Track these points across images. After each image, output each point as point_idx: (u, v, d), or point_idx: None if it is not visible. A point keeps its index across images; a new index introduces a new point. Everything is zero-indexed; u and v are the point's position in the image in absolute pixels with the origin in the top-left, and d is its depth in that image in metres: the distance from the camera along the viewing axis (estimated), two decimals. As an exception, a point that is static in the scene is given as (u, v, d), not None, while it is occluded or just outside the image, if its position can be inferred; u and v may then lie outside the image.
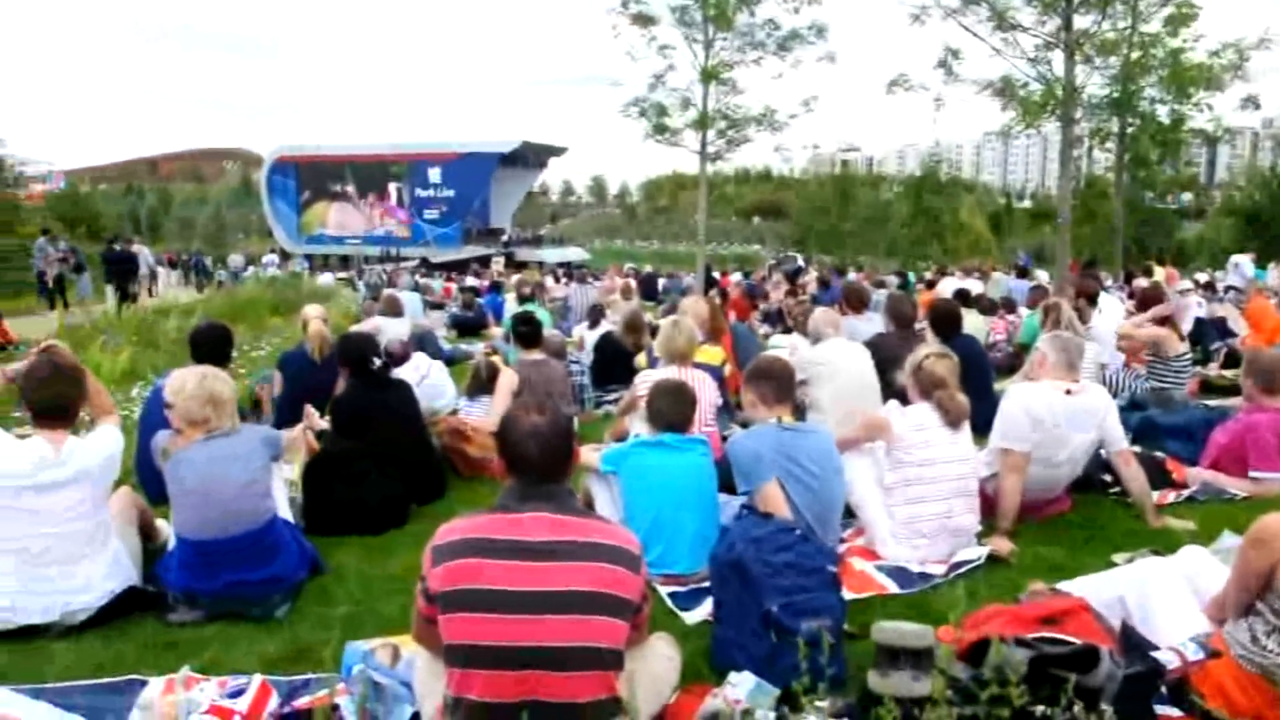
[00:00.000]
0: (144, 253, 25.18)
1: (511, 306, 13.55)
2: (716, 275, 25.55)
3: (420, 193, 59.06)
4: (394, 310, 10.59)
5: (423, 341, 9.96)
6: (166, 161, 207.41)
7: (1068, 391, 4.72)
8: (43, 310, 19.41)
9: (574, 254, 59.06)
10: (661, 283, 25.02)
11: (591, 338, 10.03)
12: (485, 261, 44.45)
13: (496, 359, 8.07)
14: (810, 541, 3.28)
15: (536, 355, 7.00)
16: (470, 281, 24.28)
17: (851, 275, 20.09)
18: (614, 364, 8.49)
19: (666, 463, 4.24)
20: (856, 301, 8.34)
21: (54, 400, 4.00)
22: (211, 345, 5.49)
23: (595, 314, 11.37)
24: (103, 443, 4.10)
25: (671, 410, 4.37)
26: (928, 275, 21.49)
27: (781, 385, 4.30)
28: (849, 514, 4.61)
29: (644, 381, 5.58)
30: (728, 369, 6.70)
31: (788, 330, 11.56)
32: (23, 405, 4.16)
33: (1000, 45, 16.95)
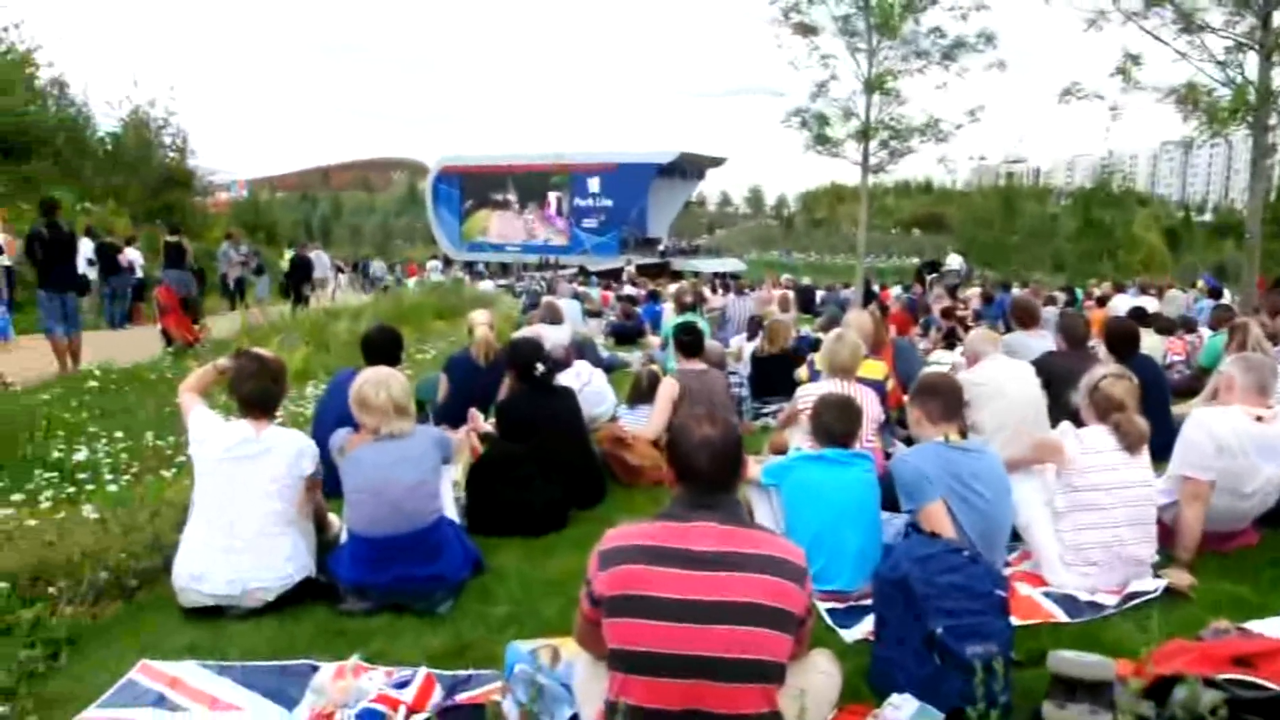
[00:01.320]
0: (321, 257, 26.55)
1: (670, 316, 13.63)
2: (876, 289, 25.07)
3: (579, 202, 60.18)
4: (555, 317, 10.78)
5: (583, 349, 10.11)
6: (338, 171, 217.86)
7: (1258, 418, 4.45)
8: (224, 310, 20.57)
9: (730, 265, 58.97)
10: (819, 295, 24.70)
11: (749, 349, 10.00)
12: (645, 269, 44.96)
13: (657, 368, 8.15)
14: (979, 564, 3.18)
15: (698, 365, 7.01)
16: (628, 290, 24.57)
17: (1017, 290, 19.33)
18: (773, 376, 8.43)
19: (830, 478, 4.19)
20: (1026, 316, 8.01)
21: (260, 393, 4.33)
22: (383, 348, 5.69)
23: (754, 325, 11.32)
24: (298, 434, 4.41)
25: (837, 425, 4.33)
26: (1097, 292, 20.48)
27: (948, 402, 4.20)
28: (1015, 537, 4.45)
29: (806, 395, 5.54)
30: (890, 384, 6.57)
31: (951, 345, 11.24)
32: (230, 395, 4.51)
33: (1185, 49, 16.00)
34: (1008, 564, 4.38)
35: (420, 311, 17.62)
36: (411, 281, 36.09)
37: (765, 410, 8.36)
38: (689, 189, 67.17)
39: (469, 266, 55.01)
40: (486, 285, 32.54)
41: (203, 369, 4.79)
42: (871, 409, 5.47)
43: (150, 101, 29.89)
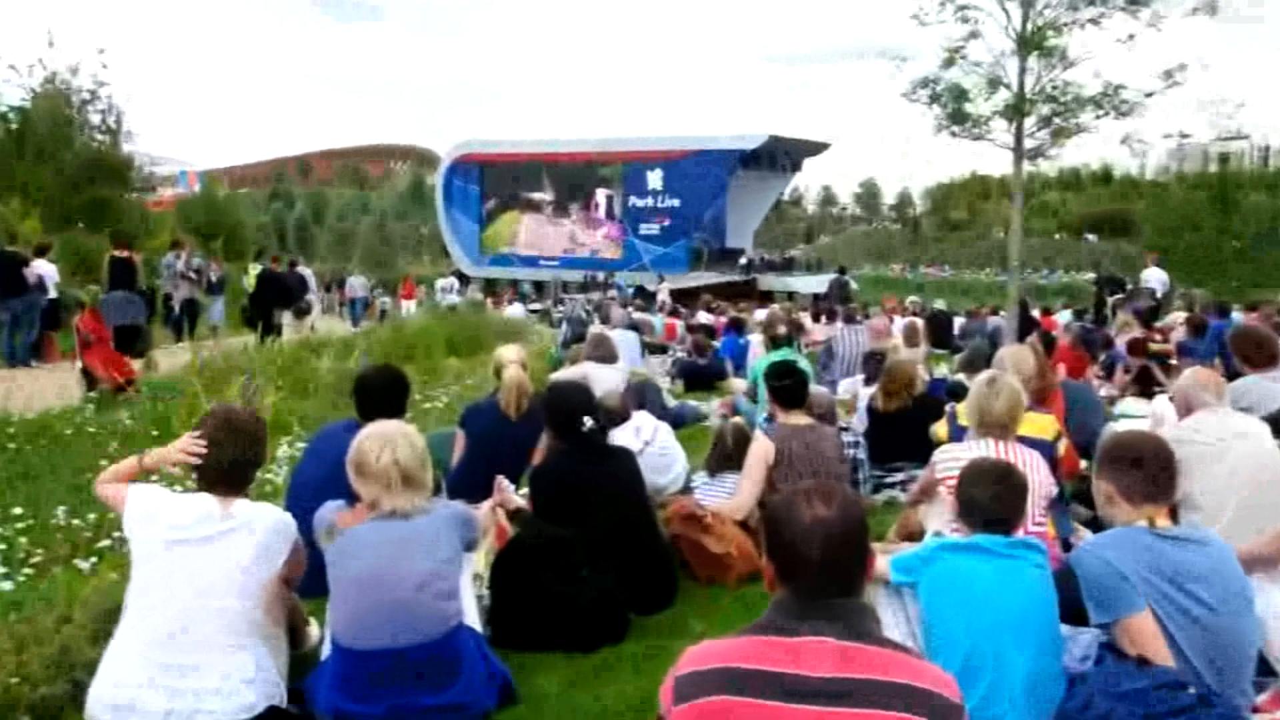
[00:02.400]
0: (309, 275, 27.13)
1: (758, 352, 13.62)
2: (1036, 314, 24.82)
3: (636, 202, 60.74)
4: (606, 354, 10.81)
5: (644, 396, 10.14)
6: (322, 160, 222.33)
7: None
8: (167, 342, 20.79)
9: (836, 283, 59.09)
10: (958, 323, 24.51)
11: (865, 396, 9.91)
12: (727, 291, 45.35)
13: (743, 422, 8.10)
14: (1214, 706, 3.06)
15: (800, 418, 6.95)
16: (702, 317, 24.64)
17: (1240, 315, 18.89)
18: (899, 434, 8.36)
19: (986, 576, 4.09)
20: (1255, 352, 7.76)
21: (230, 465, 4.31)
22: (384, 395, 5.73)
23: (871, 365, 11.25)
24: (273, 509, 4.39)
25: (993, 502, 4.24)
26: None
27: (1154, 473, 4.09)
28: (1264, 669, 4.31)
29: (948, 460, 5.44)
30: (1062, 445, 6.44)
31: (1146, 391, 11.04)
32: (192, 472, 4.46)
33: None
34: (1256, 708, 4.20)
35: (429, 345, 17.90)
36: (407, 306, 36.64)
37: (889, 480, 8.32)
38: (780, 184, 67.42)
39: (491, 286, 55.67)
40: (515, 310, 32.92)
41: (125, 462, 4.59)
42: (1039, 479, 5.36)
43: (71, 68, 29.75)
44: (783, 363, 7.52)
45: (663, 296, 40.27)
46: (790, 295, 46.00)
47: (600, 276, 54.22)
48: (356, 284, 38.04)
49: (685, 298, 41.97)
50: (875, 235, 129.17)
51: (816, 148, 65.15)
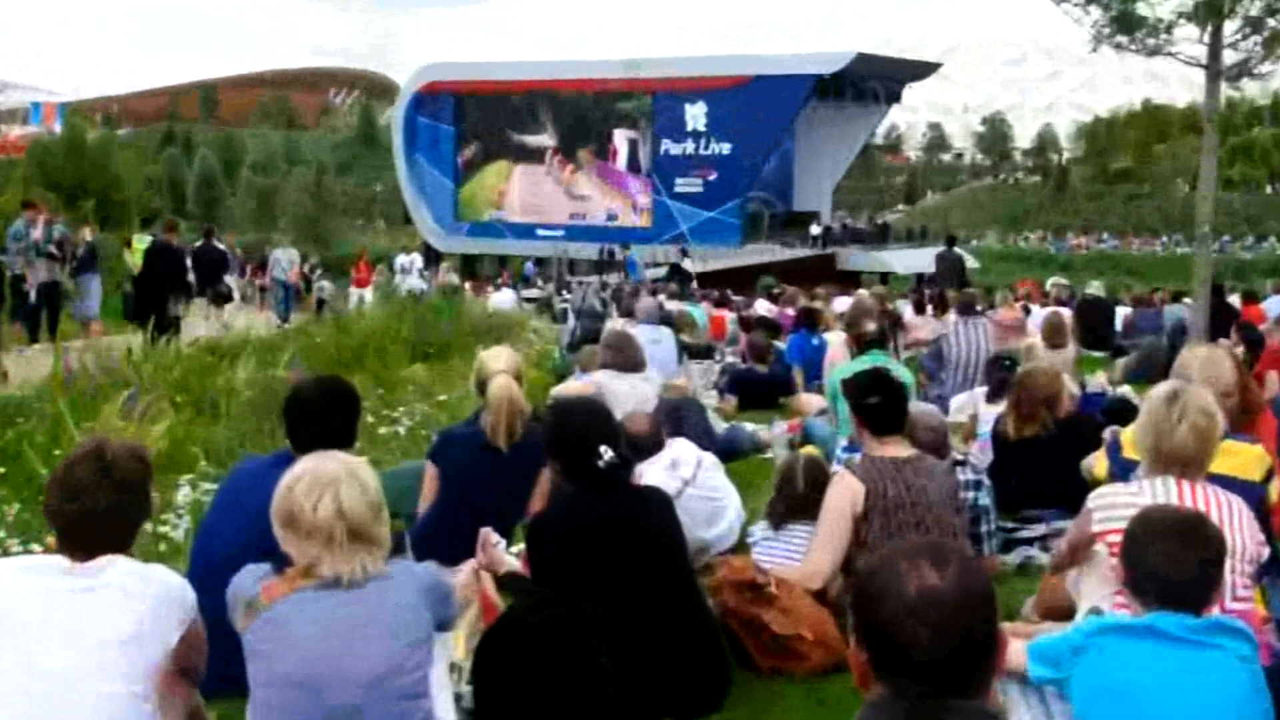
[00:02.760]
0: (228, 252, 27.55)
1: (839, 356, 13.61)
2: (1234, 301, 24.71)
3: (670, 148, 61.12)
4: (629, 359, 10.87)
5: (681, 417, 10.22)
6: (234, 90, 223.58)
7: None
8: (19, 343, 20.91)
9: (945, 258, 58.99)
10: (1122, 315, 24.43)
11: (988, 417, 9.89)
12: (796, 272, 45.52)
13: (815, 453, 8.09)
14: None
15: (898, 449, 6.94)
16: (762, 308, 24.68)
17: None
18: (1037, 469, 8.39)
19: (1165, 672, 4.09)
20: None
21: (98, 518, 4.31)
22: (326, 418, 5.80)
23: (997, 375, 11.20)
24: (162, 570, 4.39)
25: (1174, 568, 4.23)
26: None
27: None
28: None
29: (1109, 508, 5.41)
30: (1274, 488, 6.40)
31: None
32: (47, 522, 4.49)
33: None
34: None
35: (384, 348, 18.02)
36: (359, 295, 36.70)
37: (1024, 535, 8.33)
38: (870, 121, 67.65)
39: (470, 265, 55.97)
40: (504, 299, 33.04)
41: None
42: (1241, 536, 5.33)
43: None
44: (872, 372, 7.51)
45: (687, 267, 40.45)
46: (883, 277, 46.03)
47: (618, 252, 54.31)
48: (283, 262, 38.00)
49: (738, 281, 42.00)
50: (1004, 192, 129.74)
51: (921, 70, 65.38)
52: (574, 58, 68.28)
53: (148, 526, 7.76)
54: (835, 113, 61.14)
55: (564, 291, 37.93)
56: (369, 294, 35.77)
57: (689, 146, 60.95)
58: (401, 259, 41.85)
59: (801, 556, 6.96)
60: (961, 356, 14.33)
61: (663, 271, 45.84)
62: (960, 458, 8.30)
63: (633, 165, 62.68)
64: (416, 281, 36.70)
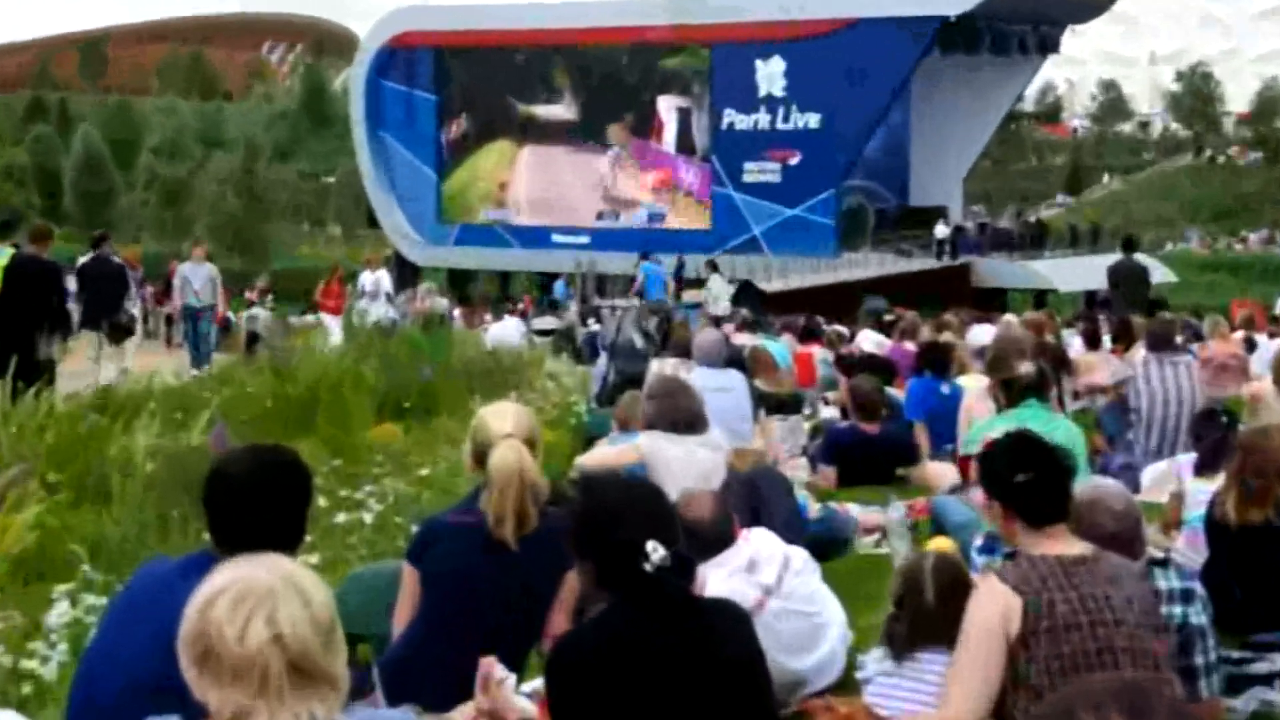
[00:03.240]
0: (125, 267, 27.67)
1: (978, 410, 13.60)
2: None
3: (735, 120, 61.51)
4: (684, 416, 10.88)
5: (759, 497, 10.27)
6: (127, 45, 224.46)
7: None
8: None
9: (1122, 270, 58.87)
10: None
11: (1203, 495, 9.81)
12: (915, 290, 45.49)
13: (950, 548, 8.02)
14: None
15: (1063, 545, 6.87)
16: (868, 343, 24.67)
17: None
18: (1270, 571, 8.39)
19: None
20: None
21: None
22: (256, 504, 5.74)
23: (1209, 437, 11.12)
24: None
25: None
26: None
27: None
28: None
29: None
30: None
31: None
32: None
33: None
34: None
35: (341, 404, 18.11)
36: (327, 327, 36.55)
37: (1255, 668, 8.24)
38: (1015, 80, 67.77)
39: (461, 284, 56.07)
40: (507, 331, 33.16)
41: None
42: None
43: None
44: (1023, 435, 7.44)
45: (720, 300, 40.22)
46: (1039, 298, 46.20)
47: (664, 265, 54.11)
48: (195, 281, 37.58)
49: (833, 304, 41.98)
50: (1209, 176, 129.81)
51: (1089, 7, 65.15)
52: (601, -2, 67.37)
53: (3, 659, 7.73)
54: (967, 70, 61.12)
55: (591, 320, 37.84)
56: (337, 326, 35.54)
57: (762, 119, 61.09)
58: (365, 277, 41.07)
59: (933, 698, 6.88)
60: (1156, 410, 14.21)
61: (715, 288, 45.48)
62: (1160, 556, 8.18)
63: (684, 145, 62.93)
64: (383, 309, 36.31)
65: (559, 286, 54.94)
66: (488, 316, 41.27)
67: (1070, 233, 69.04)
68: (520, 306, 42.80)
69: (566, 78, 64.28)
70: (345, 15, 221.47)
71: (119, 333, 26.36)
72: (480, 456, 7.49)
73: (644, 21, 63.06)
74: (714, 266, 46.71)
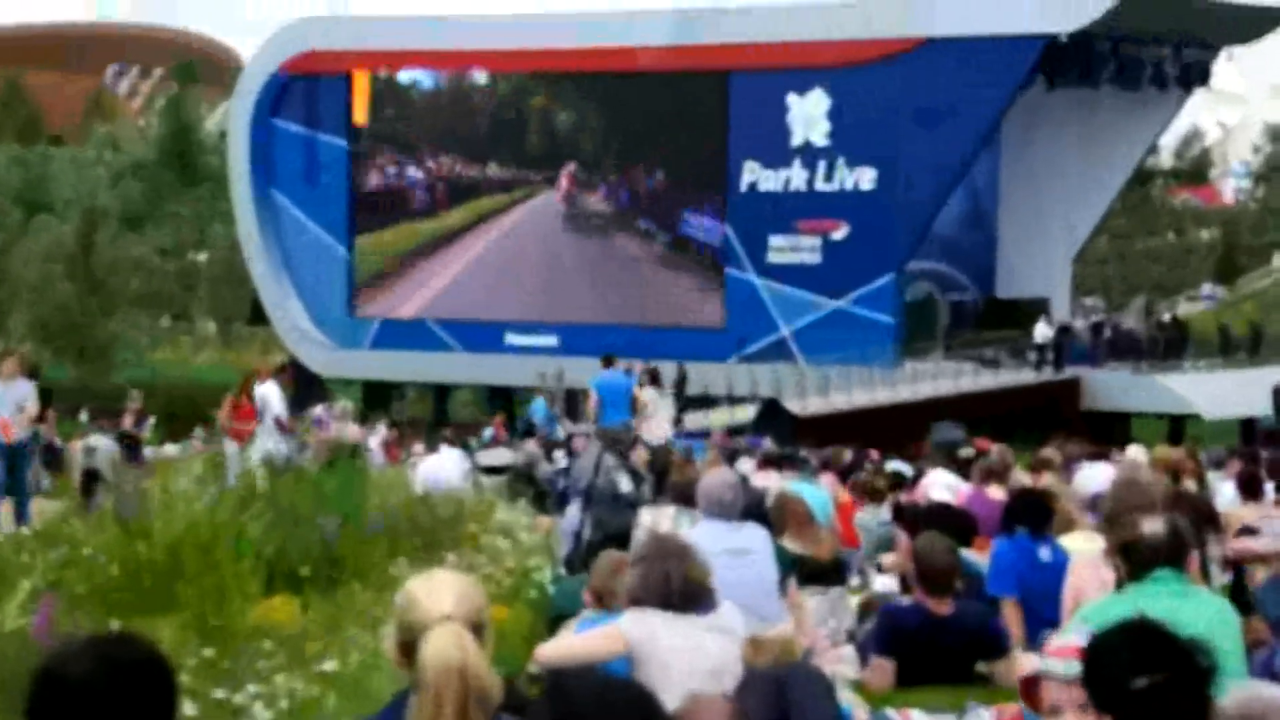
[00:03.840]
0: None
1: (1090, 585, 13.69)
2: None
3: (759, 177, 61.60)
4: (687, 589, 10.92)
5: (791, 700, 10.28)
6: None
7: None
8: None
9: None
10: None
11: None
12: (1006, 413, 45.74)
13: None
14: None
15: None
16: (939, 488, 24.76)
17: None
18: None
19: None
20: None
21: None
22: (106, 718, 5.82)
23: None
24: None
25: None
26: None
27: None
28: None
29: None
30: None
31: None
32: None
33: None
34: None
35: (214, 571, 18.02)
36: (234, 454, 36.40)
37: None
38: (1147, 125, 67.69)
39: (375, 398, 56.03)
40: (443, 467, 33.08)
41: None
42: None
43: None
44: (1143, 625, 7.50)
45: (660, 425, 40.00)
46: (1177, 427, 46.25)
47: (638, 374, 53.99)
48: (5, 407, 37.22)
49: (890, 432, 42.08)
50: None
51: (1252, 24, 65.24)
52: (577, 7, 67.39)
53: None
54: (1082, 109, 60.97)
55: (558, 452, 37.76)
56: (254, 453, 35.17)
57: (796, 176, 60.87)
58: (269, 394, 40.79)
59: None
60: None
61: (650, 406, 44.80)
62: None
63: (686, 209, 62.71)
64: (271, 441, 35.86)
65: (538, 407, 53.96)
66: (418, 447, 41.25)
67: (1221, 337, 68.38)
68: (490, 432, 42.66)
69: (535, 118, 64.30)
70: (224, 29, 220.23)
71: None
72: (408, 647, 7.31)
73: (638, 41, 62.90)
74: (653, 376, 45.96)
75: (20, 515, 30.51)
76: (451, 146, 65.10)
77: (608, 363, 45.71)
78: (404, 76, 65.95)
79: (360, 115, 66.97)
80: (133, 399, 49.79)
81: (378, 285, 66.09)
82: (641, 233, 63.54)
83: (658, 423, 42.15)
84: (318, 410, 45.81)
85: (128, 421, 48.06)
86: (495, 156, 64.96)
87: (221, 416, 40.59)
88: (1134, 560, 12.10)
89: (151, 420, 45.47)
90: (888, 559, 20.39)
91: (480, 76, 65.03)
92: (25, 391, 33.62)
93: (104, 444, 41.07)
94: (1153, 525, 12.45)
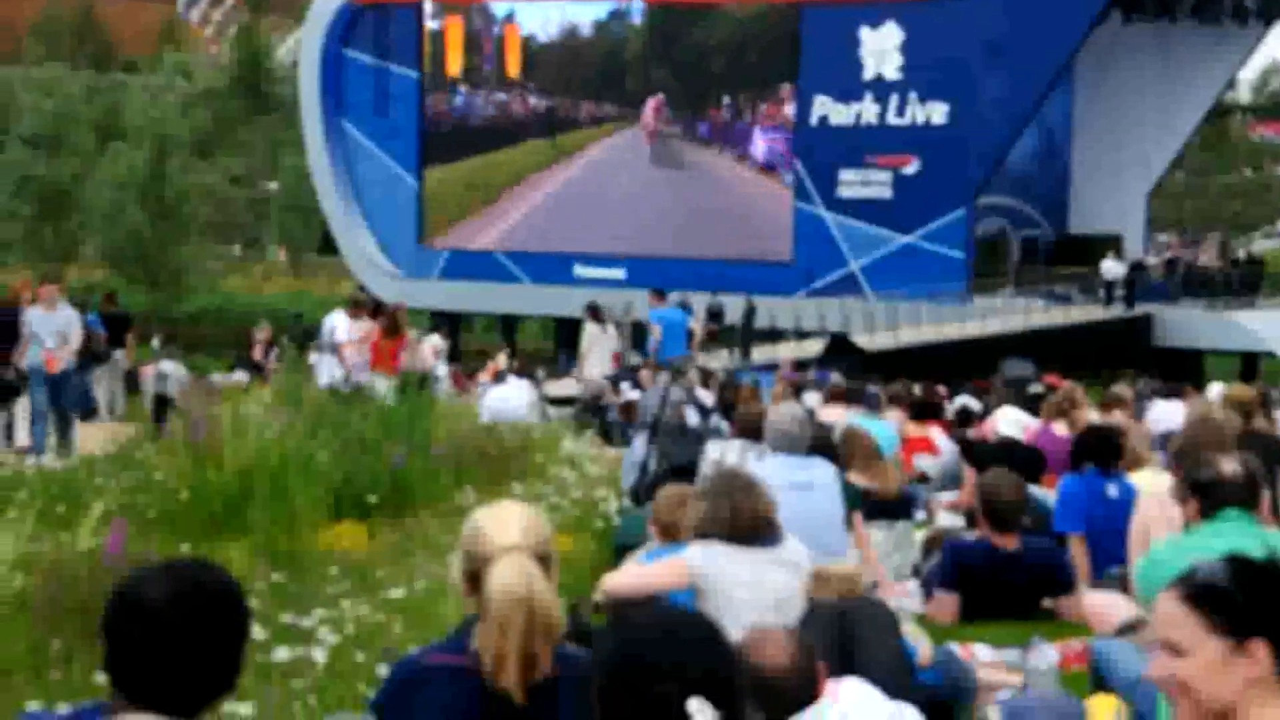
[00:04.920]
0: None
1: (1160, 523, 13.62)
2: None
3: (829, 110, 61.29)
4: (753, 522, 10.89)
5: (853, 636, 10.34)
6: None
7: None
8: None
9: None
10: None
11: None
12: (1075, 351, 45.40)
13: (1117, 709, 8.12)
14: None
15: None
16: (1007, 423, 24.61)
17: None
18: None
19: None
20: None
21: None
22: (181, 643, 5.80)
23: None
24: None
25: None
26: None
27: None
28: None
29: None
30: None
31: None
32: None
33: None
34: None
35: (282, 497, 18.16)
36: (383, 387, 35.87)
37: None
38: (1223, 61, 67.10)
39: (451, 329, 55.89)
40: (509, 396, 32.93)
41: None
42: None
43: None
44: (1234, 563, 7.41)
45: (597, 364, 39.33)
46: (1250, 365, 46.02)
47: (697, 309, 53.69)
48: (48, 334, 36.76)
49: (959, 368, 41.87)
50: None
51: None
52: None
53: None
54: (1157, 43, 60.51)
55: (625, 385, 37.45)
56: (387, 383, 34.44)
57: (867, 110, 60.55)
58: (337, 322, 39.84)
59: None
60: None
61: (587, 339, 43.69)
62: None
63: (759, 138, 62.42)
64: (333, 369, 35.16)
65: (657, 338, 51.76)
66: (483, 377, 40.99)
67: (1301, 272, 68.04)
68: (492, 362, 42.17)
69: (595, 51, 64.09)
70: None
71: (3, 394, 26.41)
72: (474, 576, 7.37)
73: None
74: (594, 312, 44.66)
75: (63, 440, 30.48)
76: (528, 81, 64.82)
77: (659, 296, 45.28)
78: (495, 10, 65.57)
79: (454, 66, 67.08)
80: (261, 328, 49.46)
81: (449, 216, 65.77)
82: (713, 165, 63.09)
83: (595, 360, 41.52)
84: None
85: (258, 352, 48.05)
86: (564, 92, 64.57)
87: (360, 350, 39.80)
88: (1206, 499, 12.01)
89: (277, 351, 44.85)
90: (953, 495, 20.35)
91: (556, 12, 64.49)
92: (68, 318, 33.22)
93: (172, 369, 41.05)
94: (1227, 465, 12.39)
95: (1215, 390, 29.18)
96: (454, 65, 67.00)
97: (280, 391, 29.69)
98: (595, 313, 43.34)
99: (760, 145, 61.91)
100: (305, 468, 19.07)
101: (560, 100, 65.77)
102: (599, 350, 42.84)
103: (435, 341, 48.02)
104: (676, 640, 5.96)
